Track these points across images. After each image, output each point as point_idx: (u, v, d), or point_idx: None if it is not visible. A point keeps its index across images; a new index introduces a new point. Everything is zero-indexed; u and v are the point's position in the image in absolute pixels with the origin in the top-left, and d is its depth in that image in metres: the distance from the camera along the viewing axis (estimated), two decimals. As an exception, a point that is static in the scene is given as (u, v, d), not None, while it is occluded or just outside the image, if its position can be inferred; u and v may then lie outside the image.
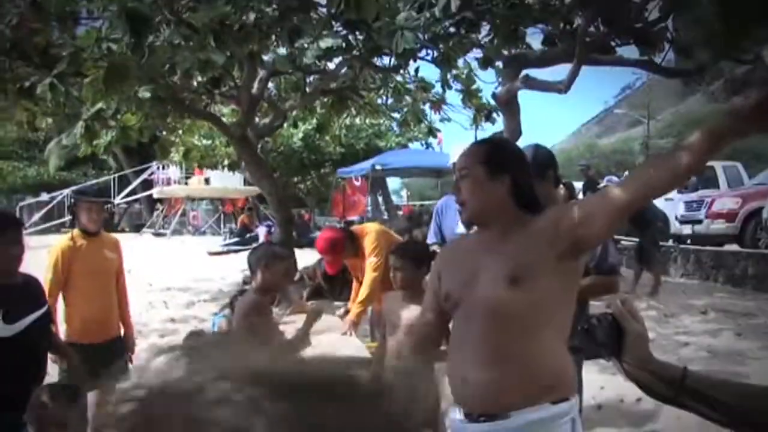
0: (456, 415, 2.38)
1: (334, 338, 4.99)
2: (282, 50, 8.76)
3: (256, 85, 10.22)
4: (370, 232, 5.56)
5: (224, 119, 11.75)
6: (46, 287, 4.82)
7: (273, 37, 8.13)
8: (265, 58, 9.07)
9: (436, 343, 2.60)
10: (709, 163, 18.31)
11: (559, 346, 2.30)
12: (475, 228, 2.52)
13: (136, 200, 36.23)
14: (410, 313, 3.92)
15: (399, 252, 4.13)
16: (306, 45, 7.36)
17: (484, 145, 2.51)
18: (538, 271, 2.20)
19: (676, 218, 15.61)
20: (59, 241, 5.08)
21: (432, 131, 12.38)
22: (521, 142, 8.21)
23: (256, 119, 11.53)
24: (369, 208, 18.69)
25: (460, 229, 4.76)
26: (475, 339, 2.28)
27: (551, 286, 2.22)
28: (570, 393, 2.31)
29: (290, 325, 5.04)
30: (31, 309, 3.59)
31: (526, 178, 2.39)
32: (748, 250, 12.88)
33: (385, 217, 17.68)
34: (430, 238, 4.90)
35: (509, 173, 2.33)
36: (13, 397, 3.10)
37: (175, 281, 13.81)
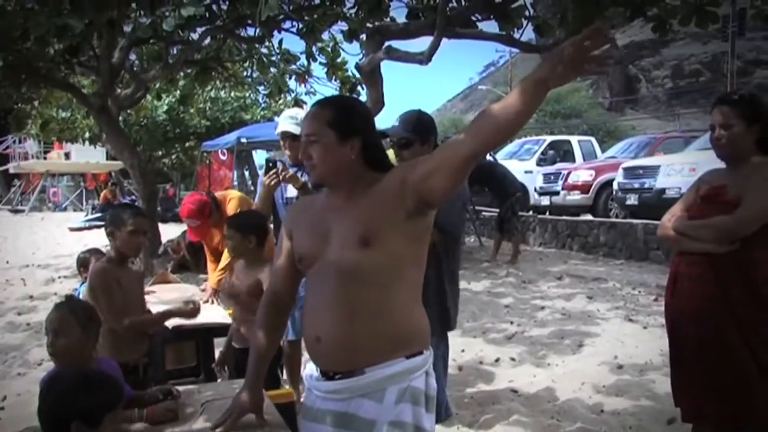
0: (313, 373, 2.41)
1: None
2: (143, 19, 8.50)
3: (116, 54, 9.90)
4: (233, 198, 5.53)
5: (84, 91, 11.32)
6: None
7: (134, 4, 7.90)
8: (126, 29, 8.78)
9: (287, 302, 2.58)
10: (566, 138, 19.18)
11: (412, 303, 2.33)
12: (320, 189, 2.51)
13: (-11, 175, 34.39)
14: (246, 280, 4.01)
15: (228, 222, 4.22)
16: (167, 13, 7.19)
17: (330, 108, 2.37)
18: (388, 231, 2.22)
19: (535, 190, 16.26)
20: None
21: (298, 103, 12.33)
22: (384, 114, 8.37)
23: (117, 90, 11.17)
24: (236, 182, 18.46)
25: (291, 193, 4.84)
26: (329, 299, 2.29)
27: (402, 245, 2.25)
28: (424, 347, 2.34)
29: (152, 295, 4.98)
30: None
31: (375, 138, 2.40)
32: (600, 219, 13.55)
33: (252, 190, 17.51)
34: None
35: (359, 135, 2.32)
36: None
37: (34, 258, 13.24)
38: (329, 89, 11.10)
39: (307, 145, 2.34)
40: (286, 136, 4.66)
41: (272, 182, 4.37)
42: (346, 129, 2.30)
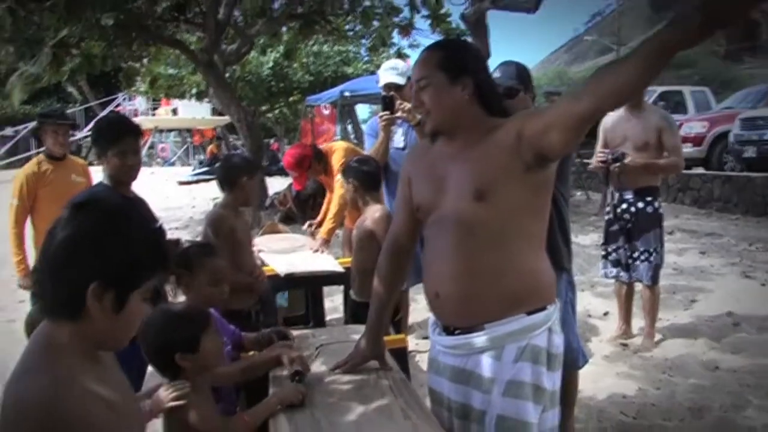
0: (435, 327, 2.39)
1: (307, 255, 5.01)
2: (248, -26, 8.57)
3: (221, 10, 10.04)
4: (337, 149, 5.55)
5: (191, 48, 11.56)
6: (11, 214, 4.76)
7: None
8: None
9: (407, 249, 2.54)
10: (678, 88, 18.40)
11: (533, 256, 2.24)
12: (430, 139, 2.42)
13: (102, 132, 35.71)
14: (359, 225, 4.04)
15: (341, 171, 4.26)
16: (271, -33, 7.22)
17: (440, 50, 2.29)
18: (504, 184, 2.13)
19: (645, 142, 15.68)
20: (24, 167, 4.98)
21: (401, 56, 12.25)
22: (490, 64, 8.24)
23: (223, 46, 11.35)
24: (338, 136, 18.59)
25: (398, 143, 4.81)
26: (446, 253, 2.23)
27: (520, 198, 2.15)
28: (547, 302, 2.24)
29: (263, 245, 5.09)
30: None
31: (488, 78, 2.31)
32: (713, 173, 13.00)
33: (356, 143, 17.58)
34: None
35: (470, 75, 2.22)
36: None
37: (147, 211, 13.70)
38: (433, 41, 10.95)
39: (418, 91, 2.27)
40: (390, 87, 4.63)
41: (387, 118, 4.39)
42: (456, 69, 2.21)
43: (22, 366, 1.45)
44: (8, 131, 33.71)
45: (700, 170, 13.91)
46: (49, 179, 4.81)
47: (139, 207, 3.50)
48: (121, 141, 3.23)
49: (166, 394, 2.23)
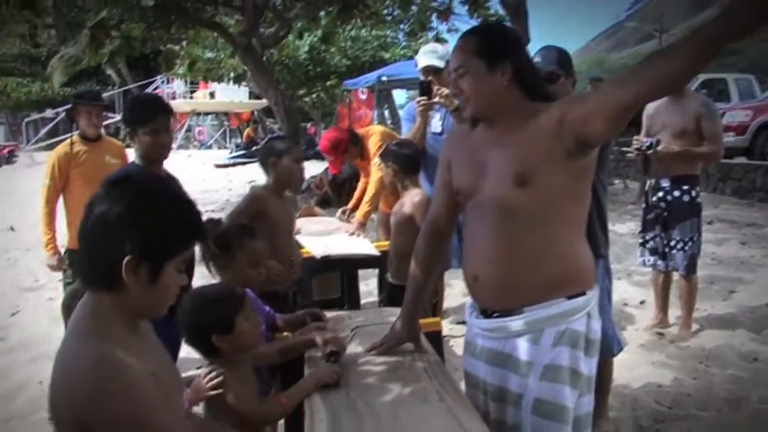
0: (472, 310, 2.39)
1: (343, 238, 5.02)
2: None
3: (260, -7, 10.07)
4: (374, 133, 5.57)
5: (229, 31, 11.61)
6: (43, 194, 4.81)
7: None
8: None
9: (445, 232, 2.56)
10: (721, 76, 18.03)
11: (574, 241, 2.24)
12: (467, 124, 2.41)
13: (141, 115, 36.19)
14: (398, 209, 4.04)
15: (381, 154, 4.25)
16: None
17: (477, 36, 2.27)
18: (546, 170, 2.12)
19: (686, 131, 15.42)
20: (57, 147, 5.00)
21: (440, 41, 12.18)
22: (530, 50, 8.17)
23: (261, 29, 11.38)
24: (375, 121, 18.60)
25: (436, 128, 4.80)
26: (486, 236, 2.24)
27: (562, 183, 2.14)
28: (587, 287, 2.23)
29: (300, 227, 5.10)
30: None
31: (527, 62, 2.30)
32: (756, 162, 12.74)
33: (393, 127, 17.53)
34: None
35: (509, 60, 2.20)
36: None
37: (183, 193, 13.85)
38: (471, 27, 10.85)
39: (457, 78, 2.27)
40: (429, 70, 4.62)
41: (425, 103, 4.39)
42: (495, 55, 2.20)
43: (70, 337, 1.51)
44: (49, 113, 34.26)
45: (742, 160, 13.65)
46: (82, 160, 4.82)
47: (171, 183, 3.56)
48: (153, 119, 3.27)
49: (205, 382, 2.27)
